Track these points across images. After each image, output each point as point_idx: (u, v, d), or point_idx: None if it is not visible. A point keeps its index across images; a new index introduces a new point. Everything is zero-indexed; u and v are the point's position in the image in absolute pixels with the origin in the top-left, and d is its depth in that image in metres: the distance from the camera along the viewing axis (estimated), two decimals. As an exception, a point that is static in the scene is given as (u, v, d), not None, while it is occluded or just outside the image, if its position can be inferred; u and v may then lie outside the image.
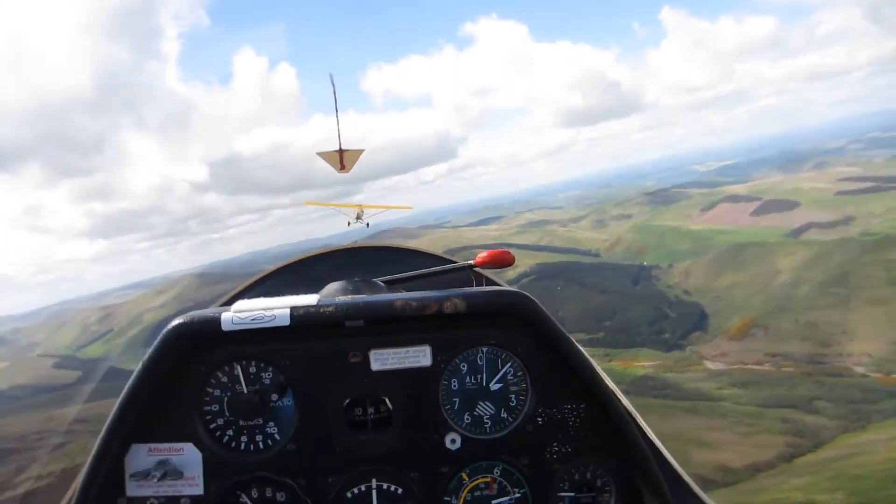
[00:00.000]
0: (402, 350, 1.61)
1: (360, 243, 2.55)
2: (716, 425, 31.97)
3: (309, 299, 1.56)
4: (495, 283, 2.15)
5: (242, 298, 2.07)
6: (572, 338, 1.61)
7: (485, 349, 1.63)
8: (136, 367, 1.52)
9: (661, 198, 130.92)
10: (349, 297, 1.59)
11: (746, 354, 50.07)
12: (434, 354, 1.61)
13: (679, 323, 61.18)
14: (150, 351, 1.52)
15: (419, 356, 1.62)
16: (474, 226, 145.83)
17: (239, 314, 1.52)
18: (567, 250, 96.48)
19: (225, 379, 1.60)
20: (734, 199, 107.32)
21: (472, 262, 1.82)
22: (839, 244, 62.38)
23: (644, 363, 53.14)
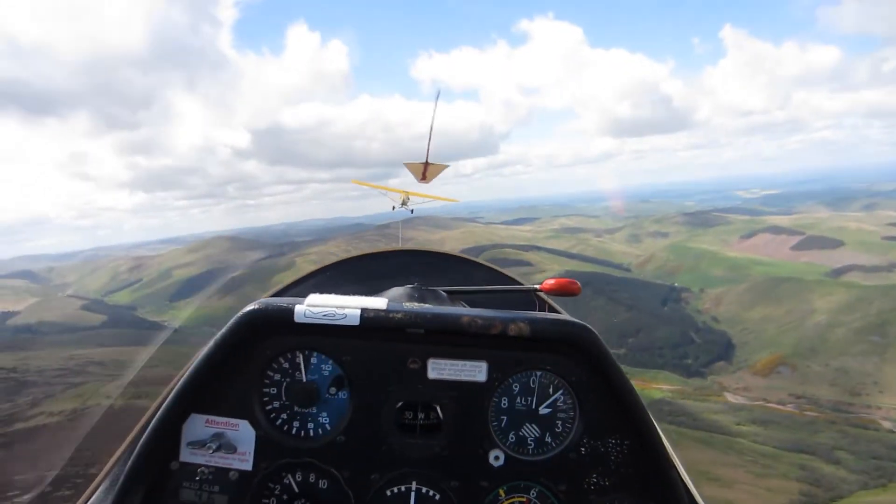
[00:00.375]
0: (460, 363, 1.64)
1: (419, 247, 2.53)
2: (729, 461, 31.17)
3: (379, 302, 1.60)
4: (556, 311, 2.17)
5: (302, 286, 2.25)
6: (627, 377, 1.63)
7: (539, 373, 1.66)
8: (209, 343, 1.60)
9: (701, 220, 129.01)
10: (416, 305, 1.63)
11: (770, 392, 48.77)
12: (490, 371, 1.64)
13: (704, 350, 60.01)
14: (224, 330, 1.58)
15: (475, 371, 1.65)
16: (508, 224, 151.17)
17: (312, 308, 1.58)
18: (598, 261, 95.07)
19: (287, 365, 1.66)
20: (776, 230, 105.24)
21: (537, 286, 1.83)
22: (881, 291, 60.24)
23: (662, 386, 52.23)
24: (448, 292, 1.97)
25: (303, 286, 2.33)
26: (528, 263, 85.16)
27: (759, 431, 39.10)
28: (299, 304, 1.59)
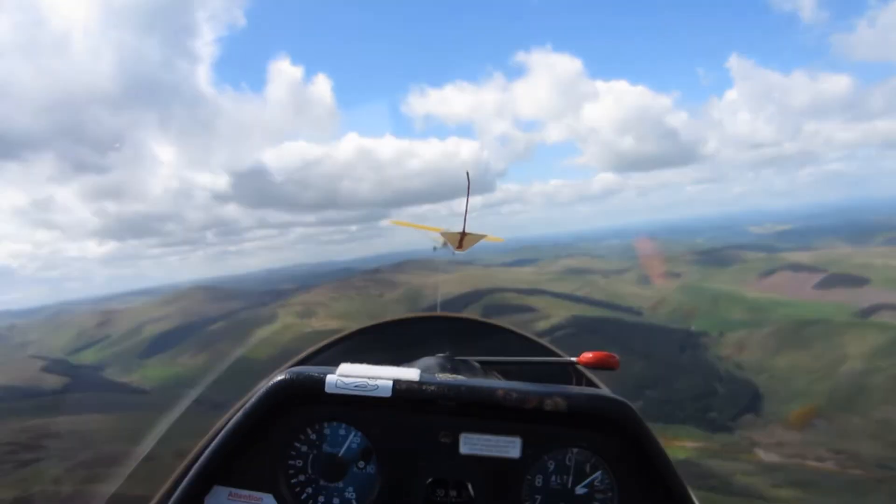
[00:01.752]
0: (493, 438, 1.64)
1: (446, 313, 2.60)
2: (772, 533, 26.80)
3: (411, 374, 1.62)
4: (594, 385, 2.22)
5: (328, 354, 2.34)
6: (669, 457, 1.62)
7: (575, 450, 1.65)
8: (236, 413, 1.61)
9: (715, 258, 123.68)
10: (449, 377, 1.65)
11: (807, 448, 47.37)
12: (524, 447, 1.64)
13: (729, 401, 59.05)
14: (252, 400, 1.60)
15: (509, 447, 1.64)
16: (508, 266, 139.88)
17: (344, 378, 1.59)
18: (607, 305, 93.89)
19: (314, 436, 1.67)
20: (796, 267, 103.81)
21: (574, 359, 1.86)
22: (918, 331, 54.92)
23: (686, 443, 50.00)
24: (481, 363, 2.01)
25: (328, 353, 2.40)
26: (532, 309, 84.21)
27: (801, 496, 37.56)
28: (331, 373, 1.61)
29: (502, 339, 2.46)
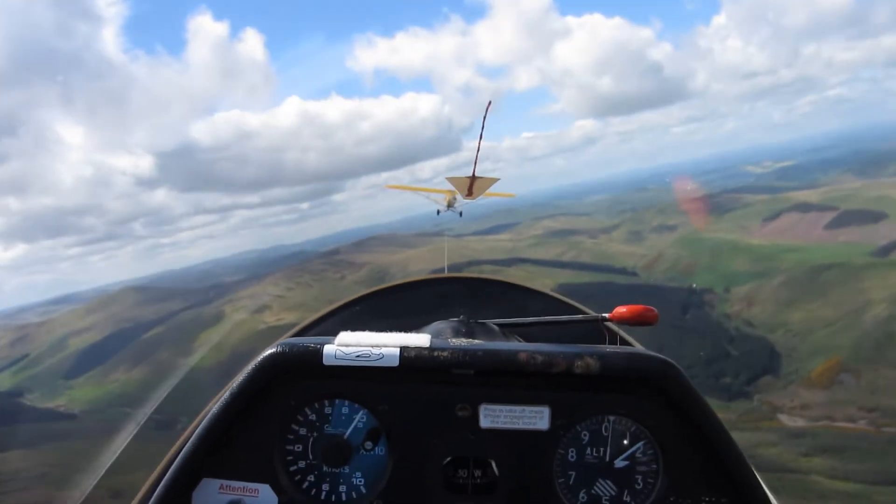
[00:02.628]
0: (518, 408, 1.62)
1: (459, 274, 2.66)
2: (811, 512, 26.49)
3: (420, 339, 1.60)
4: (628, 343, 2.23)
5: (325, 325, 2.39)
6: (721, 421, 1.60)
7: (612, 418, 1.63)
8: (223, 395, 1.58)
9: (711, 204, 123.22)
10: (464, 342, 1.63)
11: (834, 408, 47.38)
12: (553, 418, 1.62)
13: (743, 364, 58.66)
14: (241, 378, 1.57)
15: (536, 418, 1.62)
16: (482, 234, 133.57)
17: (343, 348, 1.57)
18: (598, 268, 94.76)
19: (313, 417, 1.65)
20: (804, 207, 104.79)
21: (606, 315, 1.84)
22: (944, 266, 53.69)
23: (699, 415, 49.08)
24: (500, 325, 2.01)
25: (326, 324, 2.44)
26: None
27: (835, 464, 37.31)
28: (328, 343, 1.59)
29: (523, 299, 2.46)
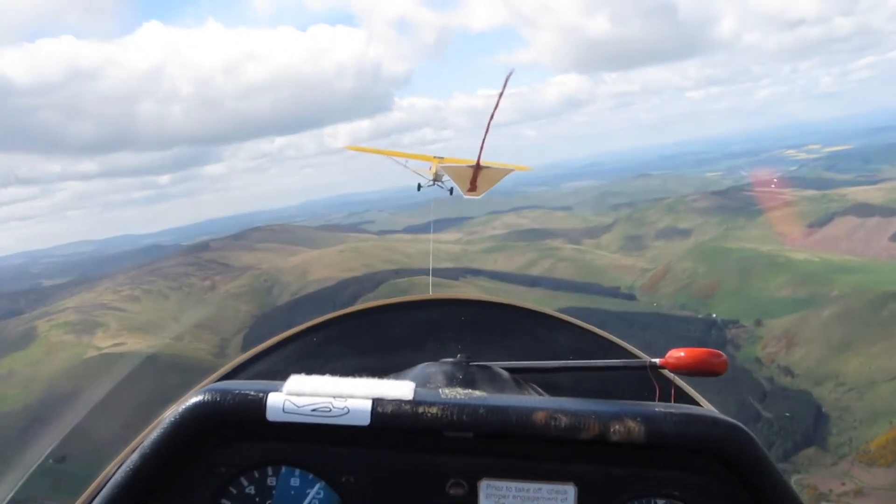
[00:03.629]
0: (532, 486, 1.48)
1: (454, 294, 2.38)
2: None
3: (401, 389, 1.47)
4: (688, 397, 2.03)
5: (271, 361, 2.12)
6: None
7: (661, 503, 1.52)
8: (130, 458, 1.46)
9: (738, 201, 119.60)
10: (460, 393, 1.51)
11: (904, 497, 45.02)
12: (580, 500, 1.49)
13: (779, 430, 53.51)
14: (152, 436, 1.44)
15: (557, 500, 1.48)
16: (416, 231, 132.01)
17: (294, 398, 1.44)
18: (581, 287, 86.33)
19: (252, 490, 1.50)
20: (862, 210, 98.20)
21: (657, 361, 1.72)
22: None
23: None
24: (511, 370, 1.85)
25: (268, 362, 2.13)
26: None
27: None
28: (274, 390, 1.46)
29: (544, 333, 2.20)
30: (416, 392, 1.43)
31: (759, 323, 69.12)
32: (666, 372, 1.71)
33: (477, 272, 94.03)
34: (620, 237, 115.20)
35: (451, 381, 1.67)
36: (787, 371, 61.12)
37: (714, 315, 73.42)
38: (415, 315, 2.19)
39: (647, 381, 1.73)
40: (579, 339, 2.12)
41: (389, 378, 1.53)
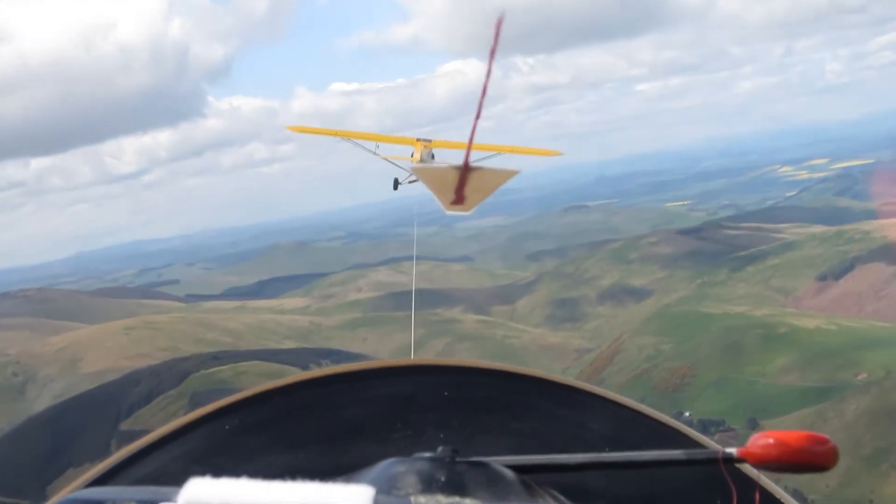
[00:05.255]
0: None
1: (428, 360, 2.36)
2: None
3: (354, 499, 1.31)
4: (776, 502, 1.98)
5: (163, 459, 1.97)
6: None
7: None
8: None
9: (718, 243, 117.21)
10: (445, 503, 1.45)
11: None
12: None
13: None
14: None
15: None
16: (242, 296, 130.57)
17: None
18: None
19: None
20: (894, 253, 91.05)
21: (733, 451, 1.63)
22: None
23: None
24: (518, 468, 1.69)
25: (163, 458, 1.97)
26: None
27: None
28: (165, 501, 1.37)
29: (566, 413, 2.11)
30: (376, 502, 1.26)
31: (754, 424, 62.56)
32: (747, 468, 1.64)
33: (335, 355, 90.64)
34: (545, 302, 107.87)
35: (430, 486, 1.48)
36: (800, 497, 54.09)
37: (688, 414, 65.65)
38: (375, 389, 2.10)
39: (718, 482, 1.62)
40: (617, 421, 2.05)
41: (339, 480, 1.34)
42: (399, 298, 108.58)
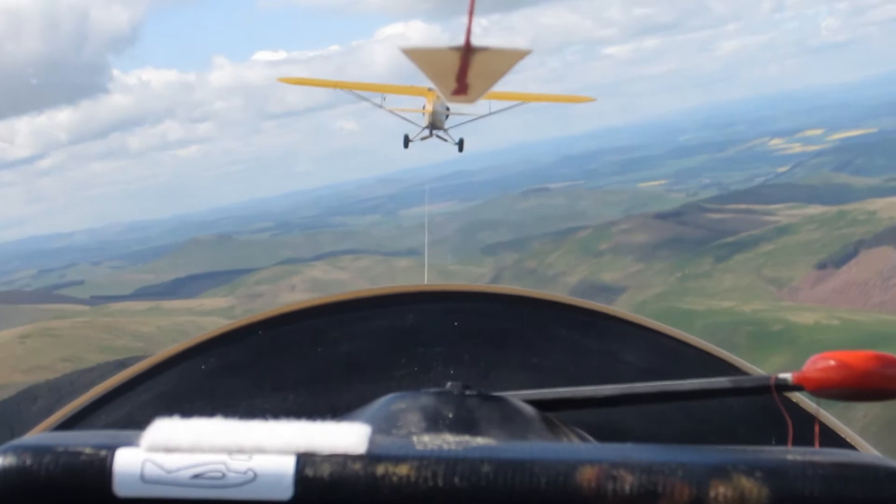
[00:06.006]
0: None
1: (434, 286, 2.33)
2: None
3: (346, 438, 1.30)
4: (837, 436, 1.96)
5: (127, 401, 1.99)
6: None
7: None
8: None
9: (700, 228, 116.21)
10: (450, 443, 1.34)
11: None
12: None
13: None
14: None
15: None
16: (154, 296, 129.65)
17: (160, 458, 1.28)
18: None
19: None
20: None
21: (787, 376, 1.57)
22: None
23: None
24: (538, 403, 1.69)
25: (131, 403, 1.97)
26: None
27: None
28: (126, 446, 1.32)
29: (593, 343, 2.07)
30: (372, 442, 1.24)
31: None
32: (803, 396, 1.69)
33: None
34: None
35: (436, 424, 1.47)
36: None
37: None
38: (373, 321, 2.06)
39: (770, 414, 1.60)
40: (655, 352, 2.01)
41: (327, 419, 1.32)
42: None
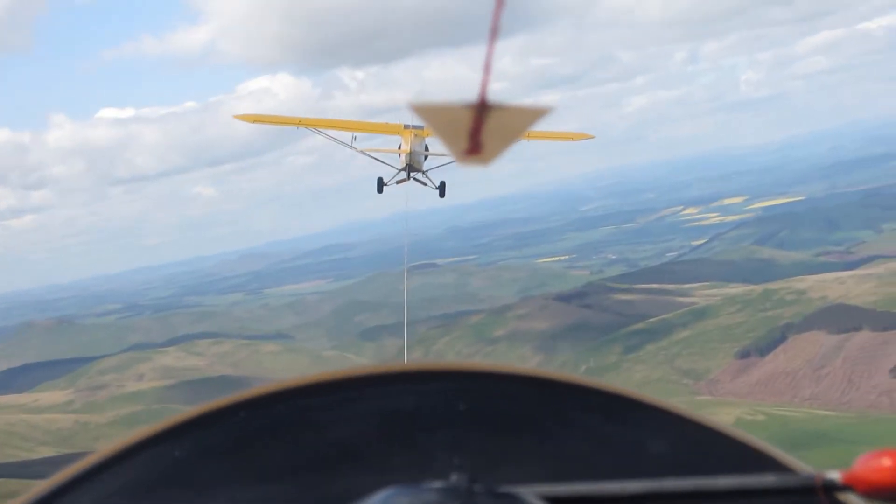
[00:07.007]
0: None
1: (438, 364, 2.34)
2: None
3: None
4: None
5: (86, 493, 1.96)
6: None
7: None
8: None
9: (607, 312, 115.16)
10: None
11: None
12: None
13: None
14: None
15: None
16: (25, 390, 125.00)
17: None
18: None
19: None
20: (836, 318, 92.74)
21: (835, 475, 1.64)
22: None
23: None
24: (551, 499, 1.70)
25: (97, 490, 1.97)
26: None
27: None
28: None
29: (615, 430, 2.15)
30: None
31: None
32: (853, 498, 1.68)
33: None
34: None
35: None
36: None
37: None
38: (368, 402, 2.10)
39: None
40: (684, 441, 2.06)
41: None
42: (194, 387, 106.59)
